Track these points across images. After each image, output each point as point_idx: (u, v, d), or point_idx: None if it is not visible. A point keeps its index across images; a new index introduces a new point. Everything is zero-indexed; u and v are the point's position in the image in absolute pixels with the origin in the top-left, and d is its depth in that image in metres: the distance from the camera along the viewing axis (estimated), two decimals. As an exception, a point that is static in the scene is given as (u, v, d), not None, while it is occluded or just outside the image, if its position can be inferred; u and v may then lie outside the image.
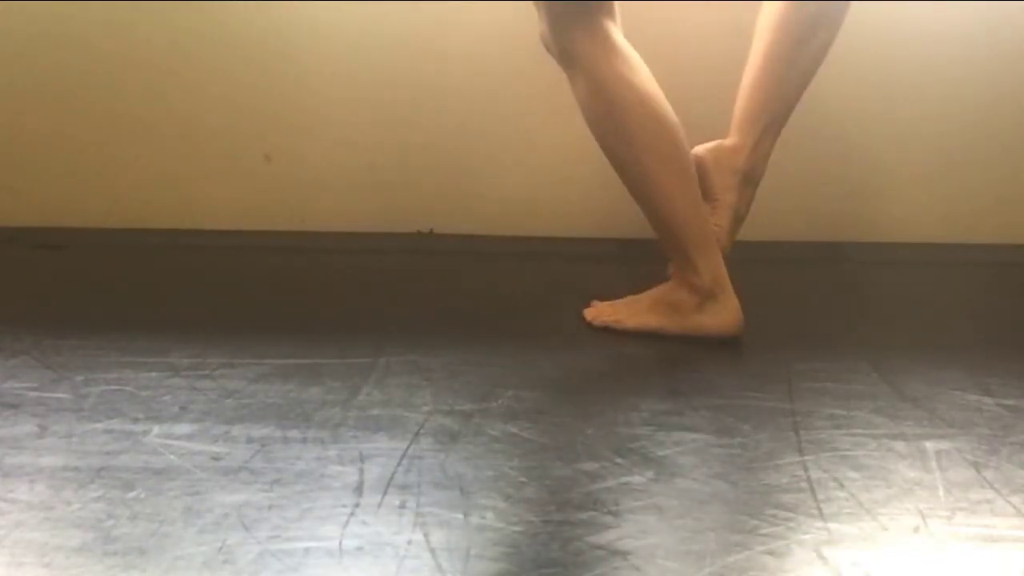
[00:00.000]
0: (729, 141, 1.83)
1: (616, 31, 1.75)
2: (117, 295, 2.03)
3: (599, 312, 1.83)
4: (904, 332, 1.81)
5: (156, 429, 1.43)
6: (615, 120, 1.72)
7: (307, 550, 1.14)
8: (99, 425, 1.45)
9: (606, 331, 1.79)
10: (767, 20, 1.84)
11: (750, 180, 1.83)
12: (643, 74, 1.73)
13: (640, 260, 2.24)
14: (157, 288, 2.07)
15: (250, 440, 1.40)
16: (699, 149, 1.82)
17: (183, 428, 1.43)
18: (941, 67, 2.21)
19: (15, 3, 2.33)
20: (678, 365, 1.67)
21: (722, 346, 1.74)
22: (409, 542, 1.15)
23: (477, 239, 2.29)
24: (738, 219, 1.83)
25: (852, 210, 2.26)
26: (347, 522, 1.19)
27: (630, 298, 1.84)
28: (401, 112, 2.32)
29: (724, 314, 1.74)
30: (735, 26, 1.96)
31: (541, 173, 2.32)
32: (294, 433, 1.42)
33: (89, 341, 1.74)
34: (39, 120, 2.39)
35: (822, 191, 2.18)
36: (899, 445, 1.37)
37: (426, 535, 1.17)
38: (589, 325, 1.81)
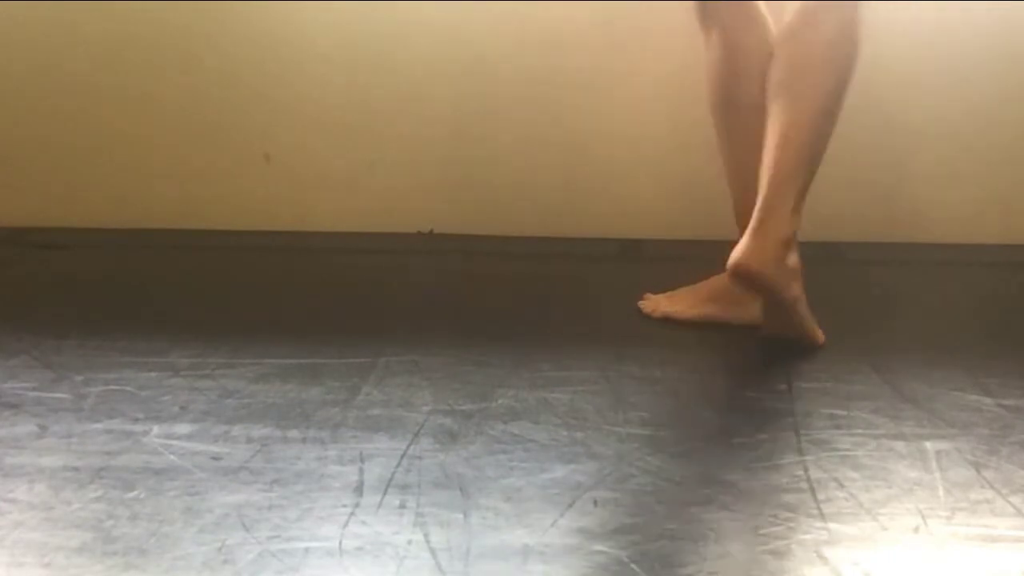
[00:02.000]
0: (772, 241, 1.61)
1: (763, 7, 1.74)
2: (117, 295, 2.03)
3: (656, 304, 1.84)
4: (904, 332, 1.81)
5: (156, 429, 1.43)
6: (733, 92, 1.74)
7: (307, 550, 1.14)
8: (99, 425, 1.44)
9: (666, 322, 1.81)
10: (775, 77, 1.68)
11: (793, 241, 1.65)
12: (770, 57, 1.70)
13: (640, 260, 2.24)
14: (157, 288, 2.07)
15: (250, 440, 1.40)
16: (742, 258, 1.61)
17: (183, 428, 1.43)
18: (942, 67, 2.21)
19: (15, 3, 2.33)
20: (678, 365, 1.67)
21: (722, 346, 1.74)
22: (409, 542, 1.15)
23: (477, 239, 2.29)
24: (793, 259, 1.66)
25: (852, 210, 2.26)
26: (347, 522, 1.19)
27: (687, 288, 1.85)
28: (401, 112, 2.32)
29: None
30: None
31: (542, 173, 2.32)
32: (294, 433, 1.42)
33: (89, 341, 1.74)
34: (39, 120, 2.39)
35: (822, 191, 2.17)
36: (899, 445, 1.37)
37: (426, 535, 1.17)
38: (647, 317, 1.82)
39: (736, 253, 1.61)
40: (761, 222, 1.62)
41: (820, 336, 1.71)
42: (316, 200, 2.37)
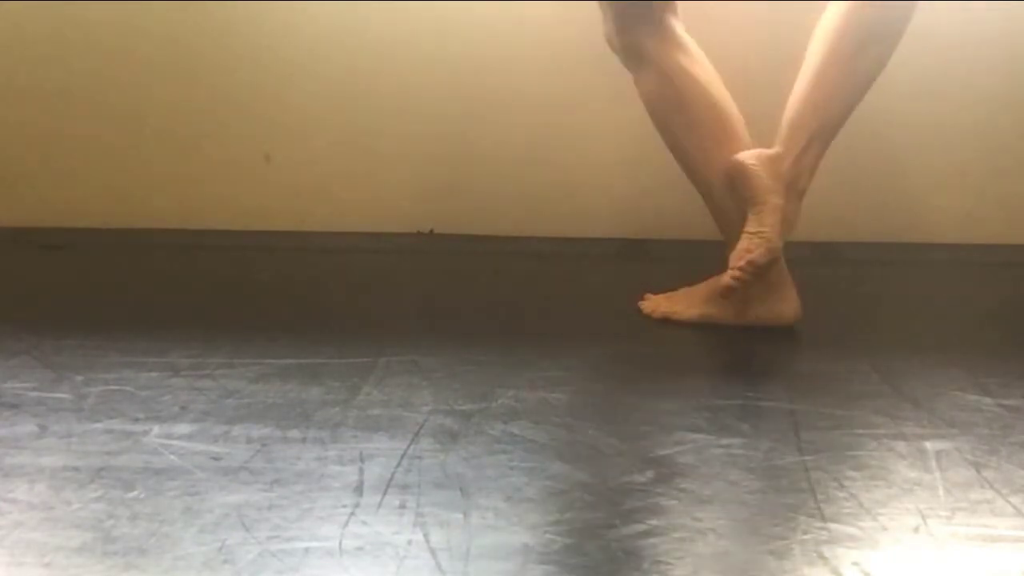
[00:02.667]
0: (772, 151, 1.75)
1: (679, 27, 1.81)
2: (117, 295, 2.03)
3: (656, 305, 1.85)
4: (904, 332, 1.81)
5: (156, 429, 1.43)
6: (683, 113, 1.78)
7: (307, 550, 1.14)
8: (99, 425, 1.44)
9: (665, 323, 1.82)
10: (826, 25, 1.79)
11: (793, 190, 1.76)
12: (706, 67, 1.79)
13: (640, 260, 2.24)
14: (157, 288, 2.07)
15: (250, 440, 1.40)
16: (739, 155, 1.74)
17: (183, 428, 1.43)
18: (942, 68, 2.21)
19: (15, 3, 2.33)
20: (678, 365, 1.67)
21: (722, 346, 1.74)
22: (409, 542, 1.15)
23: (477, 239, 2.29)
24: (787, 223, 1.75)
25: (852, 210, 2.26)
26: (347, 522, 1.19)
27: (686, 289, 1.86)
28: (401, 112, 2.32)
29: (782, 304, 1.76)
30: (794, 25, 1.91)
31: (541, 173, 2.32)
32: (294, 433, 1.42)
33: (89, 341, 1.74)
34: (39, 120, 2.39)
35: (822, 191, 2.17)
36: (899, 445, 1.37)
37: (426, 535, 1.17)
38: (647, 317, 1.84)
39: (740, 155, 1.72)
40: (778, 153, 1.73)
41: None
42: (316, 200, 2.37)
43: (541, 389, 1.56)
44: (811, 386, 1.56)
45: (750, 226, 1.69)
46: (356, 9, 2.29)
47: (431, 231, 2.35)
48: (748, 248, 1.67)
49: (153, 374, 1.61)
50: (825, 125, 1.78)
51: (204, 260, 2.24)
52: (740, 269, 1.67)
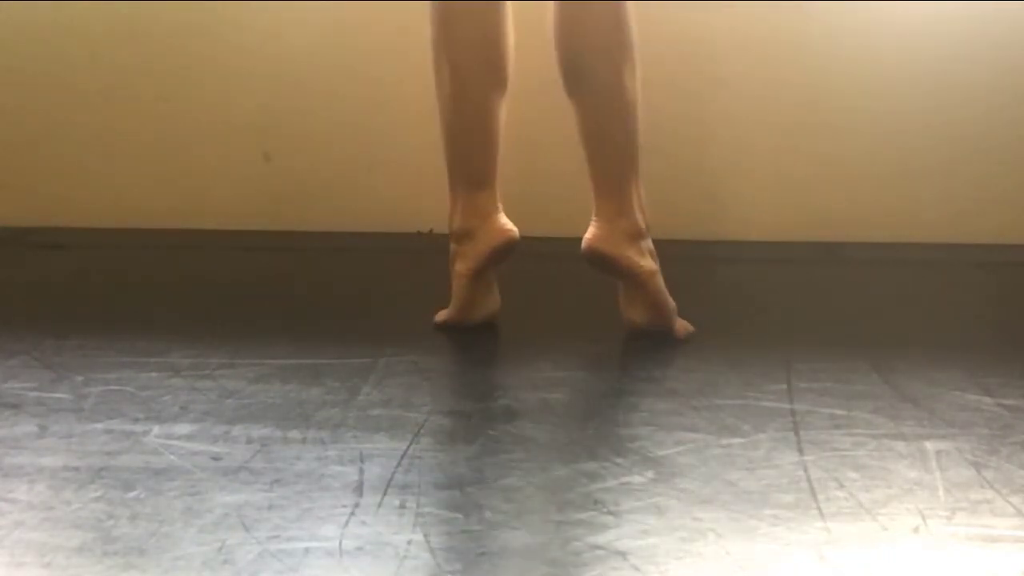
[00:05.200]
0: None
1: None
2: (117, 295, 2.03)
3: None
4: (904, 332, 1.80)
5: (156, 429, 1.43)
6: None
7: (307, 550, 1.14)
8: (99, 425, 1.44)
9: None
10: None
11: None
12: None
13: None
14: (157, 288, 2.07)
15: (250, 440, 1.40)
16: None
17: (183, 428, 1.43)
18: (941, 67, 2.21)
19: (15, 3, 2.33)
20: (677, 365, 1.67)
21: (722, 346, 1.73)
22: (409, 542, 1.15)
23: (477, 239, 2.28)
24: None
25: (852, 210, 2.26)
26: (347, 522, 1.19)
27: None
28: (400, 112, 2.32)
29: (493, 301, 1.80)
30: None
31: (541, 173, 2.32)
32: (294, 433, 1.42)
33: (89, 341, 1.74)
34: (39, 120, 2.39)
35: (821, 191, 2.18)
36: (899, 445, 1.37)
37: (426, 535, 1.16)
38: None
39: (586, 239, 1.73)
40: (602, 208, 1.73)
41: (683, 327, 1.74)
42: (316, 200, 2.37)
43: (541, 389, 1.56)
44: (811, 386, 1.56)
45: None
46: (355, 9, 2.29)
47: (431, 231, 2.35)
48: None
49: (153, 374, 1.61)
50: (624, 160, 1.76)
51: (204, 260, 2.24)
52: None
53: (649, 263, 1.72)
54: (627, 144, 1.75)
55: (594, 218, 1.74)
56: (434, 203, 2.34)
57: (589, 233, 1.73)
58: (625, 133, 1.75)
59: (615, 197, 1.73)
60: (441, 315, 1.80)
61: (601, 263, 1.72)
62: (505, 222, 1.76)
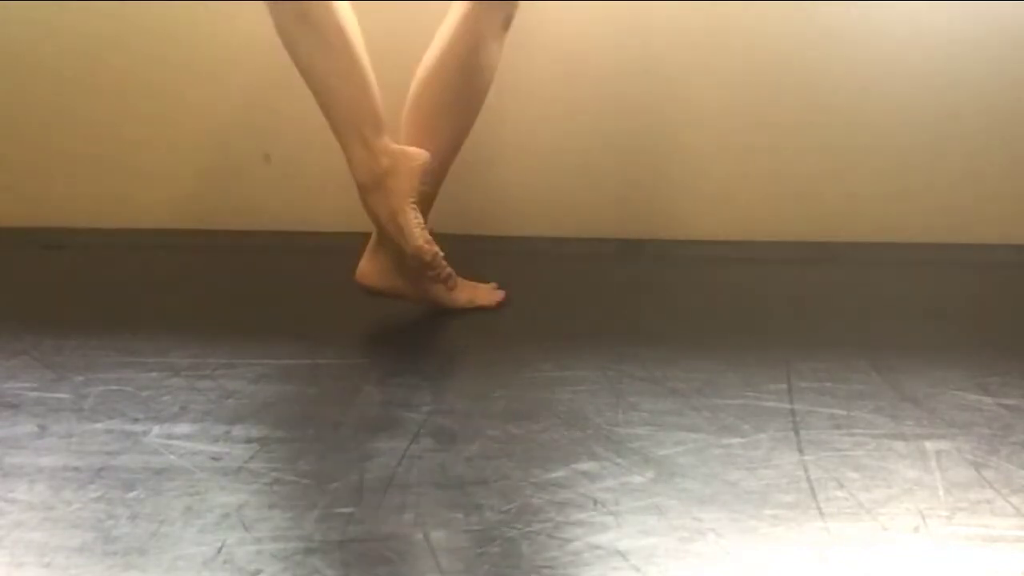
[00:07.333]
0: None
1: None
2: (117, 295, 2.03)
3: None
4: (904, 332, 1.80)
5: (156, 429, 1.43)
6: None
7: (307, 550, 1.14)
8: (99, 425, 1.45)
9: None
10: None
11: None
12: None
13: (640, 260, 2.24)
14: (157, 288, 2.07)
15: (250, 440, 1.40)
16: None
17: (183, 428, 1.43)
18: (940, 67, 2.21)
19: (15, 3, 2.33)
20: (678, 365, 1.67)
21: (722, 346, 1.73)
22: (409, 542, 1.15)
23: (476, 239, 2.29)
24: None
25: (852, 210, 2.26)
26: (347, 522, 1.19)
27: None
28: (400, 112, 2.32)
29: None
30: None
31: (541, 173, 2.32)
32: (294, 433, 1.42)
33: (89, 341, 1.74)
34: (39, 120, 2.39)
35: (822, 191, 2.18)
36: (899, 445, 1.37)
37: (426, 535, 1.17)
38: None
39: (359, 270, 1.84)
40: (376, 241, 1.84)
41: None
42: (316, 200, 2.37)
43: (541, 389, 1.56)
44: (811, 386, 1.56)
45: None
46: (355, 9, 2.29)
47: (431, 231, 2.34)
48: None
49: (153, 374, 1.61)
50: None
51: (204, 260, 2.24)
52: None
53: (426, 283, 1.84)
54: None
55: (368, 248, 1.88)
56: (434, 203, 2.35)
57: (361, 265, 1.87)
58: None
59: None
60: (463, 290, 1.88)
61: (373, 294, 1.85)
62: (410, 147, 1.84)
